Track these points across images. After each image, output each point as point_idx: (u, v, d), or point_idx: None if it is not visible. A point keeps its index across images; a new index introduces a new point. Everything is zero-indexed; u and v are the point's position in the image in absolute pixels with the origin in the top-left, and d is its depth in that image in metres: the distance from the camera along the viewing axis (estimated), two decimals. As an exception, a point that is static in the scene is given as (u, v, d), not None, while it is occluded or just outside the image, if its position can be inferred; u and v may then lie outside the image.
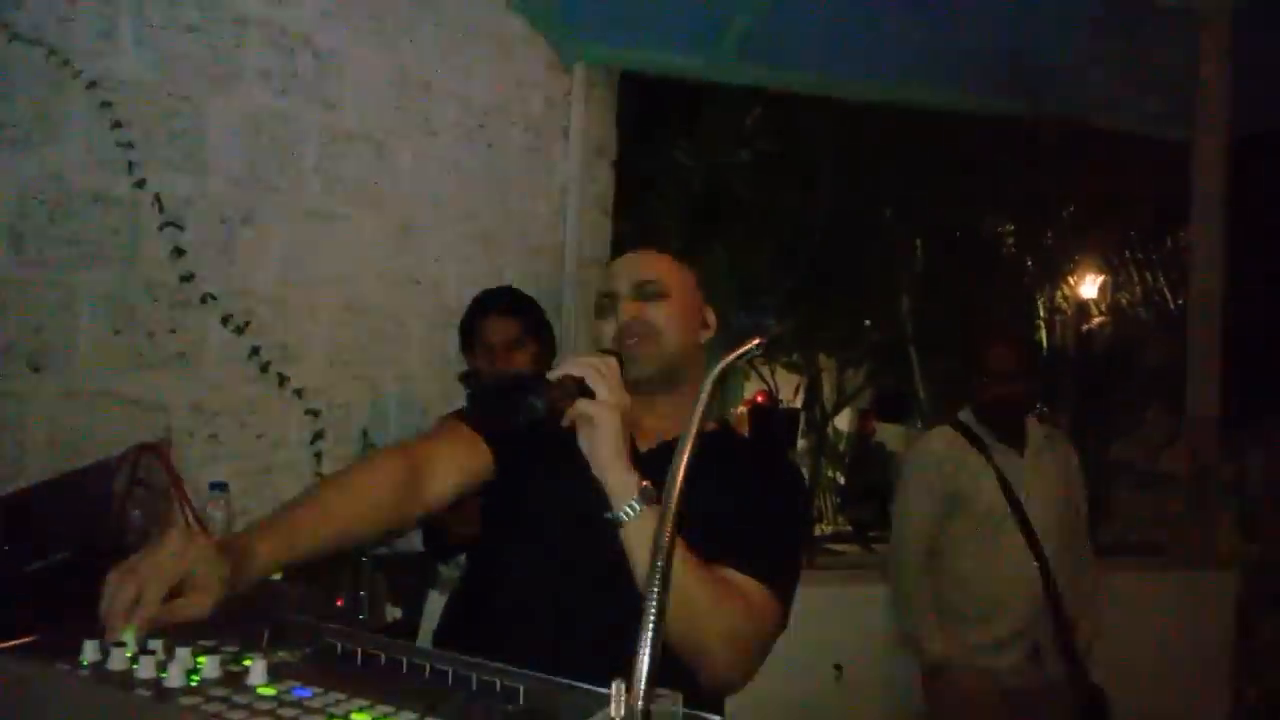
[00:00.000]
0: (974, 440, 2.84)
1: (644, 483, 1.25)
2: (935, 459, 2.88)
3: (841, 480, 9.09)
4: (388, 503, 1.34)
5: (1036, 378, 2.86)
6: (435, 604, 2.36)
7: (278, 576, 1.90)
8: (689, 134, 5.96)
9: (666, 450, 1.42)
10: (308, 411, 2.62)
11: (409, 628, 2.24)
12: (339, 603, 2.03)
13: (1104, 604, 2.91)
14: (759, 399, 9.66)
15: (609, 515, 1.25)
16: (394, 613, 2.22)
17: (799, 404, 9.30)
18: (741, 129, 5.90)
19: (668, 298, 1.48)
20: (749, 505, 1.38)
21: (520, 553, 1.44)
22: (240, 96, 2.53)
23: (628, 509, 1.24)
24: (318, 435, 2.64)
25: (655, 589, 0.79)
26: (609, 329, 1.47)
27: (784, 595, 1.35)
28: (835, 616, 3.22)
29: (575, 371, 1.26)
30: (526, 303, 2.56)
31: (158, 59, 2.37)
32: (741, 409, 10.12)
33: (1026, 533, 2.73)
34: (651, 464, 1.38)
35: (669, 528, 0.83)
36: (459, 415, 1.53)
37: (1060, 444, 2.95)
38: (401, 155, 2.96)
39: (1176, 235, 5.57)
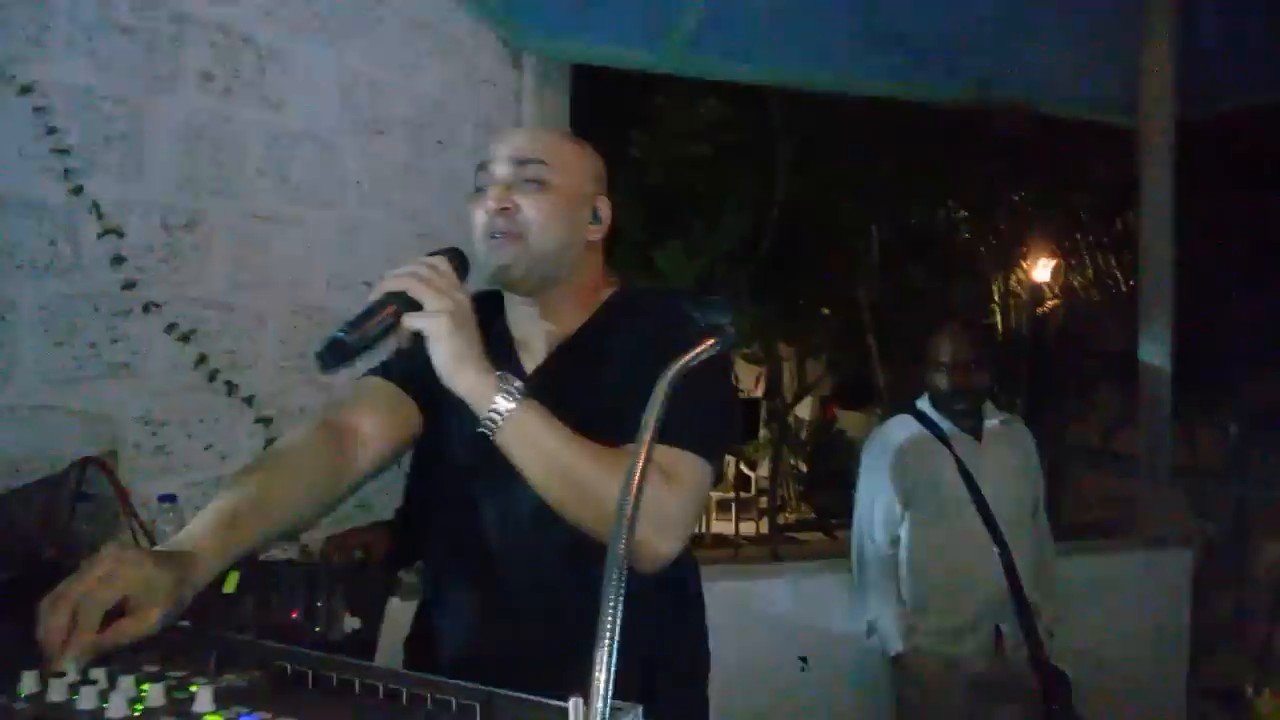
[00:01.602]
0: (932, 428, 2.86)
1: (499, 376, 1.14)
2: (894, 448, 2.89)
3: (804, 468, 9.15)
4: (322, 482, 1.29)
5: (990, 365, 2.89)
6: (396, 612, 2.33)
7: (231, 589, 1.87)
8: (644, 127, 5.95)
9: (558, 357, 1.36)
10: (259, 419, 2.57)
11: (368, 639, 2.20)
12: (294, 614, 1.99)
13: (1064, 587, 2.96)
14: (720, 390, 9.70)
15: (478, 429, 1.15)
16: (352, 623, 2.18)
17: (759, 394, 9.35)
18: (697, 121, 5.90)
19: (547, 186, 1.30)
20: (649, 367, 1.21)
21: (450, 497, 1.39)
22: (180, 98, 2.46)
23: (491, 415, 1.14)
24: (269, 443, 2.59)
25: (611, 601, 0.77)
26: (480, 216, 1.31)
27: (702, 448, 1.25)
28: (800, 607, 3.23)
29: (392, 286, 1.14)
30: None
31: (93, 62, 2.29)
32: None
33: (986, 519, 2.75)
34: (546, 379, 1.32)
35: (626, 537, 0.81)
36: (376, 371, 1.44)
37: (1017, 429, 2.98)
38: (349, 155, 2.90)
39: (1126, 218, 5.65)
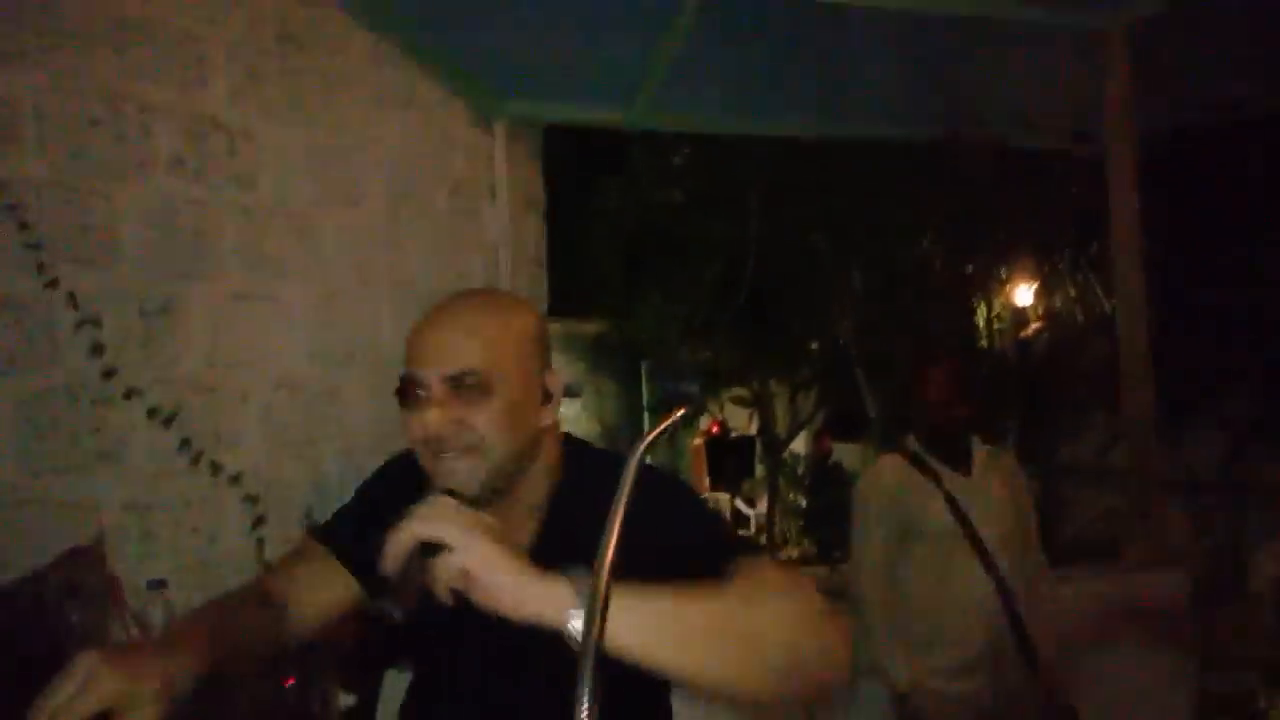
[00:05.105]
0: (921, 465, 2.86)
1: (569, 582, 0.94)
2: (885, 487, 2.89)
3: (803, 503, 9.12)
4: (258, 643, 1.26)
5: (974, 399, 2.89)
6: (394, 683, 2.30)
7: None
8: (619, 177, 6.01)
9: (543, 548, 1.15)
10: (246, 498, 2.56)
11: (366, 714, 2.18)
12: (288, 683, 1.97)
13: (1064, 614, 2.93)
14: (713, 430, 9.70)
15: (566, 637, 0.93)
16: (348, 700, 2.16)
17: (753, 431, 9.35)
18: (670, 169, 5.96)
19: (491, 394, 1.14)
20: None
21: (460, 668, 1.29)
22: (152, 185, 2.47)
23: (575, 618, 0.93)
24: (259, 521, 2.58)
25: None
26: (418, 429, 1.15)
27: (749, 549, 1.25)
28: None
29: (408, 538, 0.96)
30: None
31: (62, 156, 2.30)
32: (697, 441, 10.15)
33: (980, 554, 2.74)
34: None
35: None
36: (318, 534, 1.40)
37: (1005, 461, 2.98)
38: (325, 227, 2.92)
39: (1104, 238, 5.70)
